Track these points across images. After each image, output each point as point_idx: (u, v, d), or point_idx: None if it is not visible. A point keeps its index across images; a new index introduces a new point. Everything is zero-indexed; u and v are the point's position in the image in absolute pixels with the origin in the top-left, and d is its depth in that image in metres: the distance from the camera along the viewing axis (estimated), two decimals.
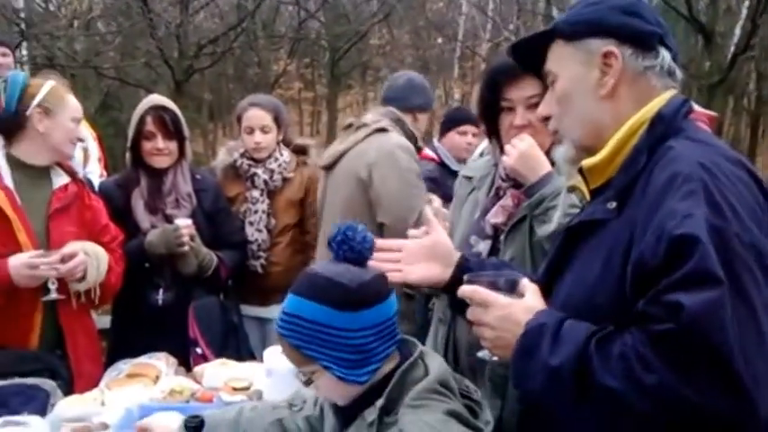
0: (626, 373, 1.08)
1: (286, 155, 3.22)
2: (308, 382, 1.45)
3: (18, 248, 2.32)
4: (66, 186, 2.50)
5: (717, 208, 1.09)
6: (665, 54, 1.30)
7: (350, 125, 3.06)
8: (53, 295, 2.37)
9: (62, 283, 2.38)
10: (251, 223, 3.15)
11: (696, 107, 4.19)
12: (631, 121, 1.27)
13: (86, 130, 4.74)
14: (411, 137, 2.96)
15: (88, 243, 2.45)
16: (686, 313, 1.03)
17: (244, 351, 2.86)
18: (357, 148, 2.92)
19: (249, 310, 3.17)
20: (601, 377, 1.10)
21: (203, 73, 12.11)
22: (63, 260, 2.34)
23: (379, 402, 1.37)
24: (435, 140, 4.16)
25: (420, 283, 1.61)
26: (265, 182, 3.15)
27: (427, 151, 3.98)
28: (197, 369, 2.42)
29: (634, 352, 1.08)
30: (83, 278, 2.41)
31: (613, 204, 1.23)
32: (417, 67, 19.05)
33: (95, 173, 4.52)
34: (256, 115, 3.15)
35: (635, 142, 1.26)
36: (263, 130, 3.13)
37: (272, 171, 3.16)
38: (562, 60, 1.35)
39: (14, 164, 2.42)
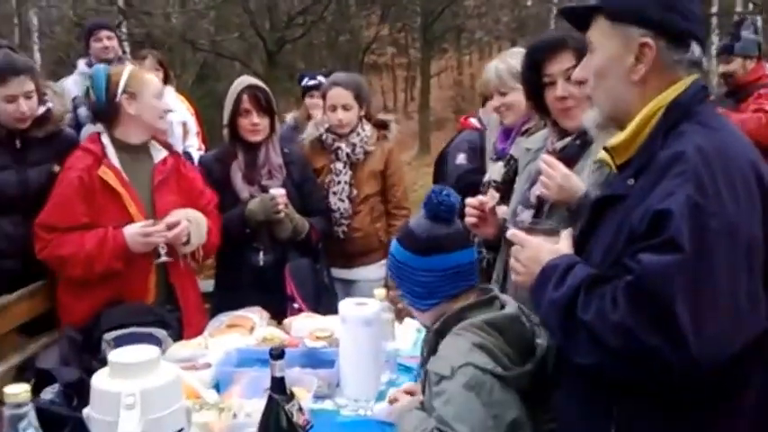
0: (598, 310, 1.34)
1: (368, 129, 3.54)
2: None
3: (130, 219, 2.74)
4: (165, 160, 2.91)
5: (701, 187, 1.29)
6: (695, 49, 1.48)
7: None
8: (164, 258, 2.78)
9: (170, 247, 2.80)
10: (334, 193, 3.51)
11: None
12: (651, 104, 1.46)
13: (183, 105, 5.26)
14: None
15: (189, 210, 2.84)
16: (643, 267, 1.29)
17: (335, 310, 3.25)
18: None
19: (335, 272, 3.56)
20: (580, 312, 1.37)
21: (296, 42, 12.59)
22: (169, 228, 2.75)
23: (436, 325, 1.80)
24: (480, 110, 4.32)
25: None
26: (348, 155, 3.49)
27: (473, 120, 4.20)
28: (286, 321, 2.82)
29: (610, 294, 1.33)
30: (187, 242, 2.81)
31: (632, 182, 1.44)
32: (513, 29, 18.86)
33: (194, 146, 5.01)
34: (338, 94, 3.48)
35: (653, 125, 1.45)
36: (345, 107, 3.47)
37: (354, 145, 3.50)
38: (603, 37, 1.52)
39: (118, 145, 2.84)
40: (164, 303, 2.85)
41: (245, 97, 3.19)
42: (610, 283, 1.36)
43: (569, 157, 2.07)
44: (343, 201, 3.51)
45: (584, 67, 1.59)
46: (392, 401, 2.06)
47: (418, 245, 1.82)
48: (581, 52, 1.65)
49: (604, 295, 1.35)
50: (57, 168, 2.87)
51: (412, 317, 2.69)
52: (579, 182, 1.98)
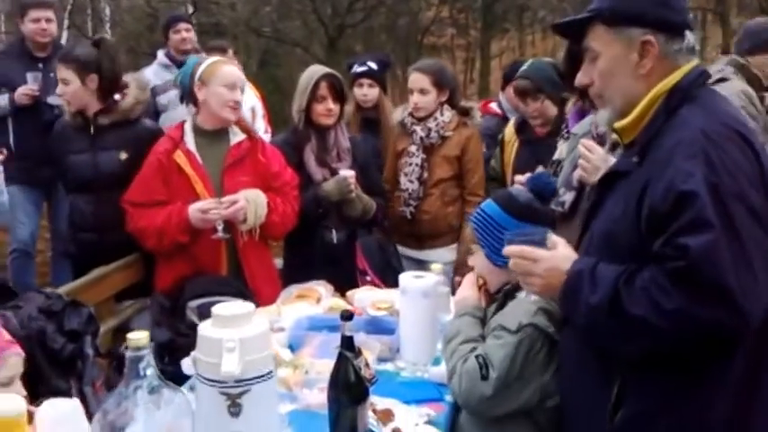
0: (649, 302, 1.46)
1: (447, 115, 3.72)
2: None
3: (197, 198, 3.05)
4: (240, 143, 3.18)
5: (712, 167, 1.46)
6: (689, 37, 1.67)
7: None
8: (220, 234, 3.03)
9: (232, 225, 3.07)
10: (405, 174, 3.74)
11: None
12: (654, 90, 1.64)
13: (251, 91, 5.58)
14: (755, 79, 3.54)
15: (251, 191, 3.08)
16: (692, 253, 1.42)
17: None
18: None
19: (407, 252, 3.81)
20: (629, 308, 1.48)
21: (355, 27, 12.82)
22: (227, 206, 3.00)
23: (507, 287, 2.04)
24: (501, 95, 4.39)
25: None
26: (421, 138, 3.70)
27: (492, 105, 4.31)
28: (349, 293, 3.09)
29: (654, 284, 1.46)
30: (245, 220, 3.07)
31: (635, 159, 1.62)
32: (577, 4, 18.62)
33: (261, 129, 5.32)
34: (416, 79, 3.72)
35: (656, 108, 1.64)
36: (421, 92, 3.68)
37: (429, 129, 3.69)
38: (604, 42, 1.68)
39: (197, 130, 3.16)
40: (235, 275, 3.15)
41: (323, 84, 3.42)
42: (640, 274, 1.50)
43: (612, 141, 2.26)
44: (412, 182, 3.71)
45: (585, 73, 1.77)
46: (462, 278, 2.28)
47: (514, 208, 2.05)
48: None
49: (647, 287, 1.48)
50: (123, 156, 3.23)
51: None
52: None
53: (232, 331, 1.50)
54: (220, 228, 3.03)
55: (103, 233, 3.20)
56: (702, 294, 1.43)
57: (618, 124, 1.73)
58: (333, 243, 3.45)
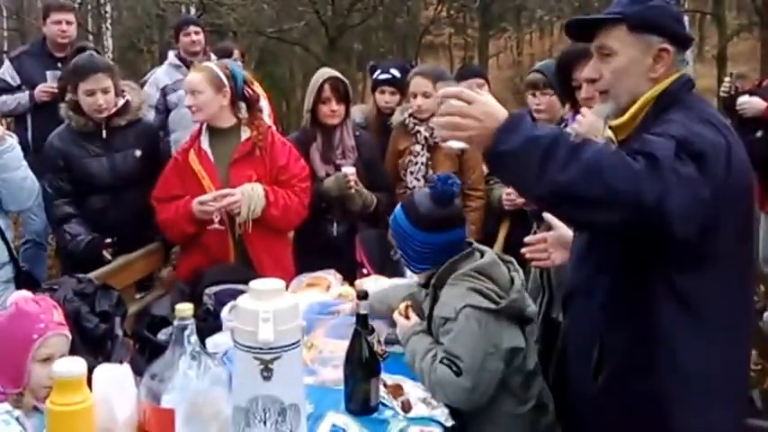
0: (592, 147, 1.64)
1: None
2: None
3: (205, 192, 3.27)
4: (248, 139, 3.38)
5: (686, 131, 1.71)
6: (688, 52, 1.95)
7: None
8: (215, 225, 3.25)
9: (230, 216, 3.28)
10: (411, 172, 3.96)
11: None
12: (647, 94, 1.88)
13: (258, 89, 5.80)
14: None
15: (248, 185, 3.28)
16: (654, 150, 1.65)
17: (398, 274, 3.57)
18: None
19: None
20: (584, 150, 1.62)
21: (355, 27, 13.04)
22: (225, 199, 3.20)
23: (433, 281, 2.25)
24: None
25: (562, 263, 2.24)
26: (425, 138, 3.93)
27: None
28: (357, 282, 3.30)
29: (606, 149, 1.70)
30: (239, 213, 3.27)
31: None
32: (576, 8, 18.87)
33: None
34: (418, 82, 3.93)
35: (647, 110, 1.89)
36: (424, 95, 3.90)
37: (432, 129, 3.86)
38: (624, 43, 1.89)
39: (210, 129, 3.38)
40: (244, 264, 3.37)
41: (326, 86, 3.68)
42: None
43: None
44: (418, 180, 3.94)
45: (594, 69, 1.98)
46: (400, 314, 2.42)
47: (418, 220, 2.25)
48: None
49: (591, 145, 1.67)
50: (138, 153, 3.47)
51: None
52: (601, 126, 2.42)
53: (267, 304, 1.73)
54: (216, 219, 3.27)
55: (117, 231, 3.41)
56: (659, 176, 1.60)
57: (613, 123, 1.97)
58: (333, 235, 3.69)
